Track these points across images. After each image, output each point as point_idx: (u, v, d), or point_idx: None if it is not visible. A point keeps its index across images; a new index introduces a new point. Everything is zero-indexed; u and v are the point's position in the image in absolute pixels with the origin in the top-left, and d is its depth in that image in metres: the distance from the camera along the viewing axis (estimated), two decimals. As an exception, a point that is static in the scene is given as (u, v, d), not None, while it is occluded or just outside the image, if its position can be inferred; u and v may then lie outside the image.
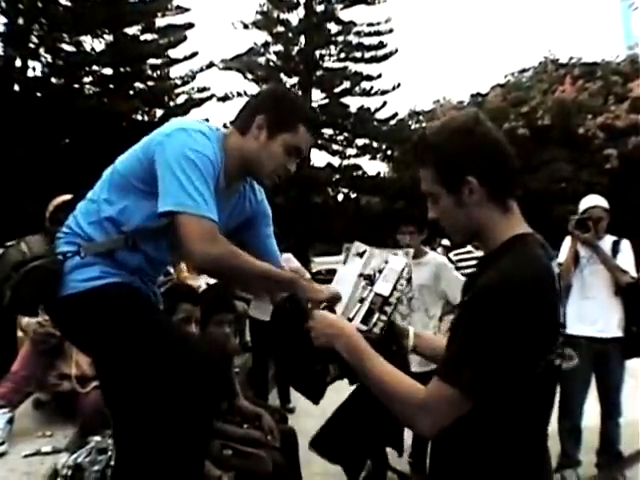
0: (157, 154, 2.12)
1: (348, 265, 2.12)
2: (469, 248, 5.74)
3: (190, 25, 26.98)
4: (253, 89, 31.56)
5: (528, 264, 1.54)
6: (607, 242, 4.67)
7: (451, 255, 5.61)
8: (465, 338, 1.51)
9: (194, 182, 2.05)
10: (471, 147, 1.62)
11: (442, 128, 1.70)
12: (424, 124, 36.01)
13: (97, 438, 3.26)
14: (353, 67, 32.89)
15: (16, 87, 20.08)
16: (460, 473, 1.61)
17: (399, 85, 32.68)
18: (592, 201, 4.79)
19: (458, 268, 5.04)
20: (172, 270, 5.09)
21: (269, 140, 2.27)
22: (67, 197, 4.05)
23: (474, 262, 5.48)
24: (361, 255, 2.11)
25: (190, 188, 2.04)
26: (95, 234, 2.24)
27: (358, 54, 32.66)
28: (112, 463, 3.00)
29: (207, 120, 2.57)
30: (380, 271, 2.05)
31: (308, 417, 6.32)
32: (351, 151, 33.71)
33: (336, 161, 33.52)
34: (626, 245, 4.67)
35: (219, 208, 2.25)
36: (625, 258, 4.59)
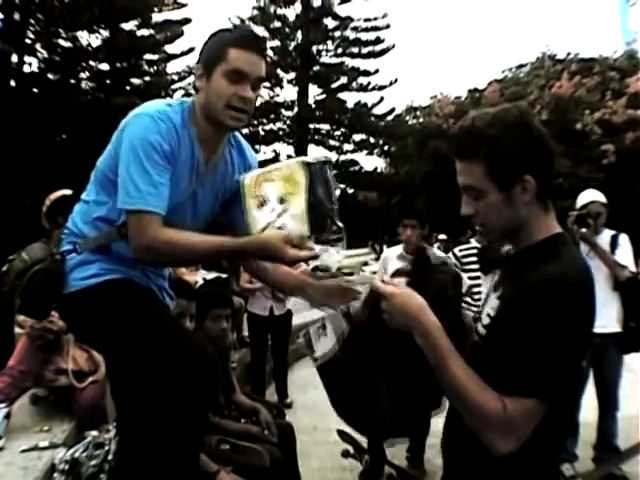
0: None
1: None
2: (474, 244, 5.73)
3: (187, 20, 26.96)
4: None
5: (580, 265, 1.52)
6: (606, 236, 4.65)
7: (456, 250, 5.58)
8: (531, 342, 1.42)
9: (132, 175, 2.07)
10: (530, 144, 1.54)
11: (496, 120, 1.56)
12: (421, 119, 36.10)
13: (94, 433, 3.25)
14: (350, 62, 33.05)
15: (12, 82, 20.03)
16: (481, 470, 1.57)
17: (396, 80, 32.83)
18: (590, 196, 4.78)
19: (463, 264, 5.03)
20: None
21: (209, 81, 2.19)
22: (65, 192, 4.04)
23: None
24: None
25: (128, 183, 2.07)
26: (89, 232, 2.27)
27: (355, 49, 32.73)
28: (109, 457, 3.00)
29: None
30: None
31: (305, 412, 6.34)
32: (348, 146, 33.81)
33: (333, 156, 33.51)
34: (625, 239, 4.65)
35: (206, 181, 2.27)
36: (624, 253, 4.58)
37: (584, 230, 4.54)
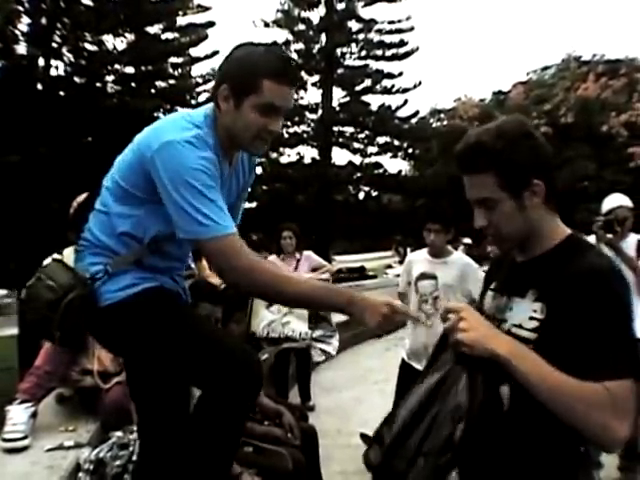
0: (153, 172, 2.06)
1: None
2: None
3: (211, 24, 27.07)
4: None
5: (610, 259, 1.65)
6: (632, 241, 4.61)
7: None
8: (607, 329, 1.47)
9: (194, 205, 2.01)
10: (536, 150, 1.63)
11: (501, 133, 1.63)
12: (445, 122, 35.93)
13: (119, 433, 3.28)
14: (374, 65, 32.97)
15: (39, 86, 20.24)
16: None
17: (420, 83, 32.76)
18: (616, 201, 4.74)
19: None
20: (193, 265, 5.05)
21: (237, 109, 2.13)
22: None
23: None
24: None
25: (194, 214, 2.01)
26: (118, 247, 2.22)
27: (379, 52, 32.69)
28: (134, 458, 3.02)
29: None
30: None
31: (328, 415, 6.33)
32: (372, 149, 33.73)
33: (357, 159, 33.57)
34: (651, 244, 4.61)
35: (225, 188, 2.25)
36: (650, 257, 4.54)
37: (610, 236, 4.50)
